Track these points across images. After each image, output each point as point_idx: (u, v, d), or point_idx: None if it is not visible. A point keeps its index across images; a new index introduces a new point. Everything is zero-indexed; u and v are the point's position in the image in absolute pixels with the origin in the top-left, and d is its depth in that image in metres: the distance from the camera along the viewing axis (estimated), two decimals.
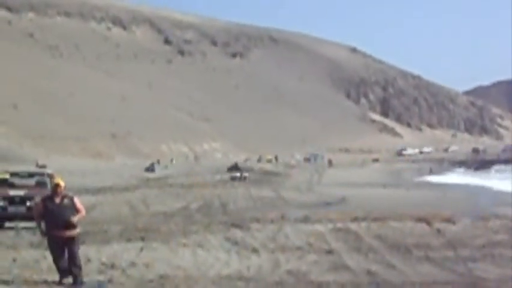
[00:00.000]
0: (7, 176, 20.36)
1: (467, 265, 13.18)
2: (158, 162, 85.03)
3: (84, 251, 11.64)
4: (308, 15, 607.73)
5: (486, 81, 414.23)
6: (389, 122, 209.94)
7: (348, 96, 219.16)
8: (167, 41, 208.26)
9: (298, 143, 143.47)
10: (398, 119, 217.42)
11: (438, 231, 16.47)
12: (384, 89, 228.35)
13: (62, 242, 10.48)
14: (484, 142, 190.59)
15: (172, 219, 20.36)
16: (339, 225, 16.94)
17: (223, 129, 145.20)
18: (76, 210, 10.50)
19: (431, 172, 78.42)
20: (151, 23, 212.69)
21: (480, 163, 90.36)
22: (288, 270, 12.57)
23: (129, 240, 14.65)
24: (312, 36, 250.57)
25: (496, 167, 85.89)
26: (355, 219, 17.78)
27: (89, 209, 17.17)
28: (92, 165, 71.65)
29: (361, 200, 30.10)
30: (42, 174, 20.99)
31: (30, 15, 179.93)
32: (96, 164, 75.00)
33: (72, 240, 10.53)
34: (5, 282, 10.67)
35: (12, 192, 18.87)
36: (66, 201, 10.48)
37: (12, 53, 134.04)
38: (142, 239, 14.71)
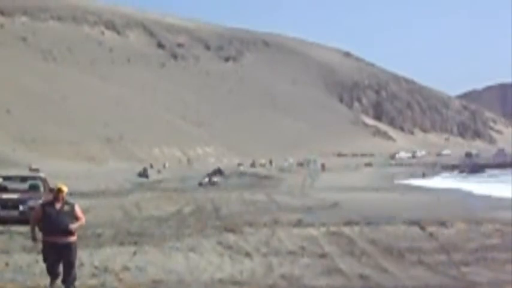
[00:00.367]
0: (0, 180, 20.39)
1: (460, 269, 13.21)
2: (151, 166, 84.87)
3: (77, 255, 11.58)
4: (301, 20, 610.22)
5: (479, 86, 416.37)
6: (383, 126, 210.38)
7: (341, 100, 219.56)
8: (160, 45, 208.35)
9: (292, 147, 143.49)
10: (392, 123, 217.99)
11: (431, 235, 16.52)
12: (377, 93, 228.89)
13: (57, 249, 10.21)
14: (477, 146, 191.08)
15: (165, 223, 20.35)
16: (332, 229, 16.97)
17: (217, 133, 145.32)
18: (76, 218, 10.30)
19: (424, 176, 78.60)
20: (145, 27, 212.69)
21: (473, 167, 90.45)
22: (281, 274, 12.58)
23: (122, 244, 14.63)
24: (305, 40, 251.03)
25: (490, 171, 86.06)
26: (348, 223, 17.82)
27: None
28: (85, 169, 71.50)
29: (354, 204, 30.12)
30: (35, 178, 21.04)
31: (23, 19, 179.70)
32: (90, 168, 74.83)
33: (68, 248, 10.27)
34: None
35: (5, 196, 18.84)
36: (66, 207, 10.27)
37: (5, 57, 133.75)
38: (135, 243, 14.70)
